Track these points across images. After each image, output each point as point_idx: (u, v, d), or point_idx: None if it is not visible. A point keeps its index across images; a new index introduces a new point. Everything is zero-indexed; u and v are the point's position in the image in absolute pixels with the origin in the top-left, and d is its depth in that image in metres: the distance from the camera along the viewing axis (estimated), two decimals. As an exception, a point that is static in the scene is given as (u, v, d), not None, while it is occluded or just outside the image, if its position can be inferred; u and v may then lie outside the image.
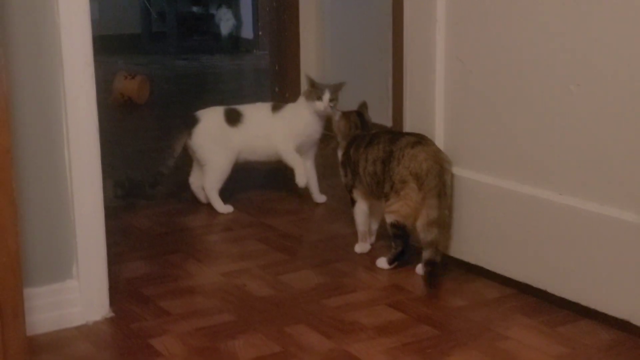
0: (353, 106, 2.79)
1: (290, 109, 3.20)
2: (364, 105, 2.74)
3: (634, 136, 2.01)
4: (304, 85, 3.23)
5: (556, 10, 2.16)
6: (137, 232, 2.94)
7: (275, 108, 3.21)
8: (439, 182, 2.39)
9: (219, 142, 3.12)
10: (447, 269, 2.48)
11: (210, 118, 3.14)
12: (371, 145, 2.53)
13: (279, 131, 3.16)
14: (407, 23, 2.58)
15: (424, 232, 2.38)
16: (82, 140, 2.12)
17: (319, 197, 3.25)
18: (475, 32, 2.40)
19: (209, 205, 3.18)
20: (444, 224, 2.40)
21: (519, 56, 2.28)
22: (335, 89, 3.11)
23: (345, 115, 2.70)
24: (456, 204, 2.47)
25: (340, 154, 2.68)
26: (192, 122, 3.13)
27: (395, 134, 2.60)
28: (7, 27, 1.97)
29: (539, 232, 2.26)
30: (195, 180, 3.21)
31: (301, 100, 3.18)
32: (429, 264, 2.36)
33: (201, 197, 3.22)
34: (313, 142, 3.22)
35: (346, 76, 3.63)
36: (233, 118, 3.14)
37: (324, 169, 3.54)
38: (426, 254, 2.37)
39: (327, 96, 3.06)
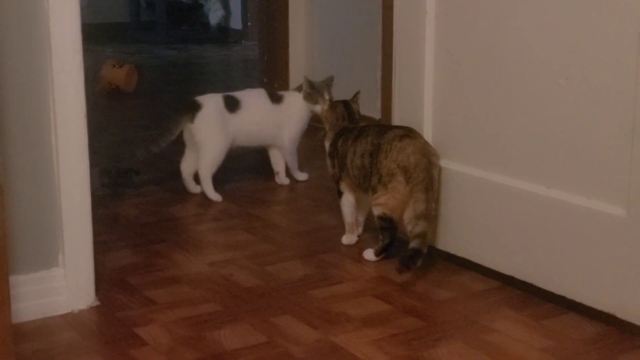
0: (342, 98, 2.79)
1: (291, 104, 3.27)
2: (356, 96, 2.74)
3: (622, 130, 2.01)
4: (293, 77, 3.28)
5: (546, 4, 2.16)
6: (124, 221, 2.93)
7: (275, 99, 3.27)
8: (426, 175, 2.39)
9: (219, 128, 3.14)
10: (431, 261, 2.48)
11: (212, 104, 3.16)
12: (359, 138, 2.52)
13: (284, 127, 3.25)
14: (397, 15, 2.58)
15: (411, 225, 2.39)
16: (69, 128, 2.11)
17: (285, 180, 3.37)
18: (465, 25, 2.40)
19: (197, 195, 3.17)
20: (430, 216, 2.41)
21: (508, 49, 2.28)
22: (329, 86, 3.21)
23: (332, 105, 2.69)
24: (444, 196, 2.48)
25: (327, 144, 2.67)
26: (195, 107, 3.14)
27: (383, 127, 2.60)
28: (-5, 12, 1.96)
29: (526, 226, 2.26)
30: (187, 167, 3.22)
31: (298, 96, 3.24)
32: (414, 251, 2.35)
33: (190, 187, 3.22)
34: None
35: (335, 68, 3.65)
36: (232, 105, 3.18)
37: (312, 161, 3.55)
38: (413, 243, 2.36)
39: (326, 97, 3.13)
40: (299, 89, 3.28)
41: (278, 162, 3.37)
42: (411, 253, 2.35)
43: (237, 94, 3.24)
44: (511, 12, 2.26)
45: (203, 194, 3.17)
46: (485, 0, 2.32)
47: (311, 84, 3.20)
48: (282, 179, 3.37)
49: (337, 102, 2.71)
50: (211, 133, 3.13)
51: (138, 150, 3.18)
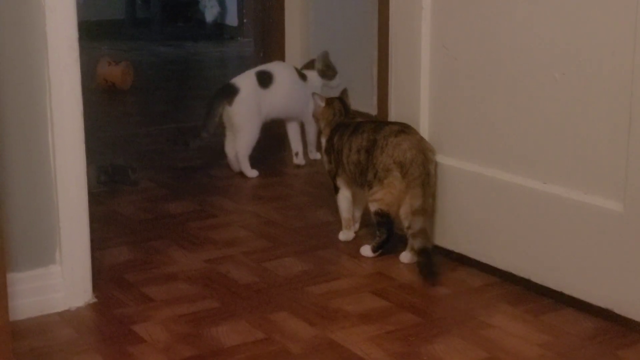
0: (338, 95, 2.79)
1: (312, 82, 3.46)
2: (345, 92, 2.75)
3: (618, 125, 2.01)
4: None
5: (542, -1, 2.17)
6: (121, 218, 2.93)
7: (301, 76, 3.48)
8: (422, 171, 2.39)
9: (255, 108, 3.32)
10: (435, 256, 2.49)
11: (248, 85, 3.32)
12: (355, 134, 2.52)
13: (308, 101, 3.32)
14: (393, 10, 2.58)
15: (409, 221, 2.39)
16: (66, 125, 2.11)
17: (302, 161, 3.56)
18: (461, 20, 2.39)
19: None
20: (428, 212, 2.41)
21: (504, 44, 2.28)
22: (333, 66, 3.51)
23: (329, 102, 2.69)
24: (440, 191, 2.47)
25: (323, 140, 2.67)
26: (232, 91, 3.30)
27: (379, 123, 2.60)
28: (-10, 9, 1.95)
29: (523, 221, 2.26)
30: (231, 150, 3.36)
31: (313, 74, 3.48)
32: (422, 252, 2.35)
33: (235, 167, 3.37)
34: None
35: (331, 64, 3.63)
36: (265, 80, 3.36)
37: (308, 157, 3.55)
38: (417, 243, 2.37)
39: (337, 77, 3.49)
40: (307, 66, 3.52)
41: (297, 143, 3.54)
42: (423, 258, 2.35)
43: (269, 68, 3.43)
44: (507, 7, 2.26)
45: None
46: (482, -5, 2.32)
47: (328, 63, 3.47)
48: (300, 159, 3.54)
49: (333, 99, 2.71)
50: (248, 114, 3.31)
51: (191, 140, 3.35)
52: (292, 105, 3.43)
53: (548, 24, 2.16)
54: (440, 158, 2.47)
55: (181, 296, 2.27)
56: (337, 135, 2.60)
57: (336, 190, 2.65)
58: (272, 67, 3.49)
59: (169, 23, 7.90)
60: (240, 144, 3.33)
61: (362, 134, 2.50)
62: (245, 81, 3.34)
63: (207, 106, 3.33)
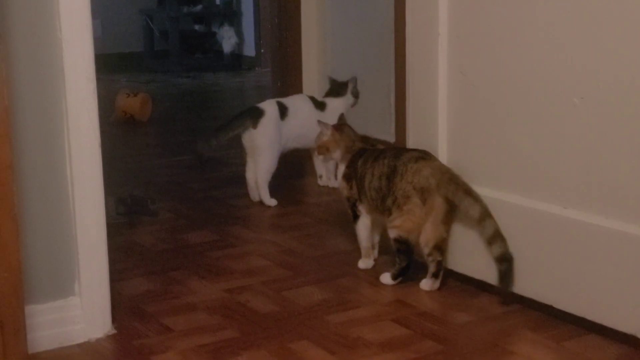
0: (357, 122, 2.79)
1: (332, 109, 3.47)
2: (342, 117, 2.82)
3: (639, 149, 1.99)
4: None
5: (560, 24, 2.16)
6: (139, 248, 2.93)
7: (318, 106, 3.52)
8: (455, 187, 2.36)
9: (277, 132, 3.37)
10: (448, 284, 2.47)
11: (272, 110, 3.39)
12: (377, 160, 2.52)
13: None
14: (410, 38, 2.58)
15: (430, 248, 2.39)
16: (84, 157, 2.11)
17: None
18: (479, 46, 2.39)
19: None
20: (488, 213, 2.34)
21: (522, 70, 2.27)
22: (353, 84, 3.59)
23: (339, 128, 2.66)
24: (459, 217, 2.46)
25: (342, 167, 2.65)
26: (258, 113, 3.35)
27: (399, 149, 2.59)
28: (9, 42, 1.96)
29: (544, 247, 2.25)
30: (252, 176, 3.41)
31: (335, 101, 3.53)
32: (503, 259, 2.30)
33: (254, 195, 3.41)
34: None
35: (349, 92, 3.65)
36: (283, 111, 3.42)
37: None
38: (495, 250, 2.31)
39: (349, 91, 3.57)
40: (329, 93, 3.58)
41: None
42: (505, 265, 2.30)
43: (284, 101, 3.50)
44: (524, 32, 2.25)
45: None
46: (498, 20, 2.32)
47: (340, 82, 3.56)
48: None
49: (341, 125, 2.69)
50: (271, 138, 3.36)
51: (200, 144, 3.46)
52: (309, 135, 3.42)
53: (566, 49, 2.15)
54: (459, 184, 2.45)
55: (201, 326, 2.26)
56: (360, 160, 2.58)
57: (355, 217, 2.64)
58: (288, 100, 3.55)
59: (187, 55, 7.95)
60: (260, 169, 3.35)
61: (383, 160, 2.50)
62: (269, 107, 3.40)
63: (228, 121, 3.38)
